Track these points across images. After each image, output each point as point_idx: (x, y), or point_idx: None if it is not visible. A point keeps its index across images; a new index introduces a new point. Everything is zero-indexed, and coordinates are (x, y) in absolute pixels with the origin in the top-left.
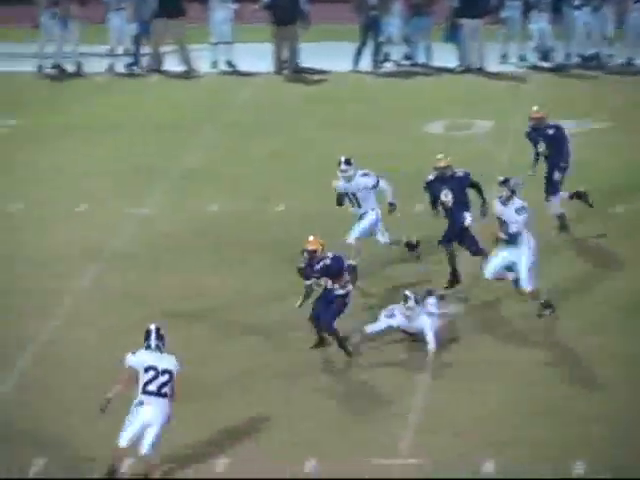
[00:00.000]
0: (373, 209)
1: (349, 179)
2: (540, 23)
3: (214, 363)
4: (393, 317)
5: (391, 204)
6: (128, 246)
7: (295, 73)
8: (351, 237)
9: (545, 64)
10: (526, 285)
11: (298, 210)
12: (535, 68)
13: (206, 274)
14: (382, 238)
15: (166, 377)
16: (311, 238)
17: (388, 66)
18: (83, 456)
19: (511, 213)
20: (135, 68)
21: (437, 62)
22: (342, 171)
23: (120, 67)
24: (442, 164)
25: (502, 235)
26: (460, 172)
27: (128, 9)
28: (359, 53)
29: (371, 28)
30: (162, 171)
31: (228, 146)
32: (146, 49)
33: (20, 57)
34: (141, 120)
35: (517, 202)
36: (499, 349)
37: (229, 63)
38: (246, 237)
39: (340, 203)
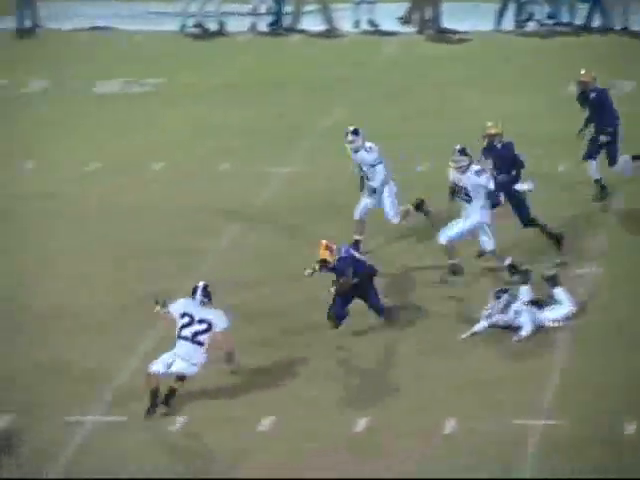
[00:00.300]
0: (384, 184)
1: (356, 150)
2: None
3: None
4: (491, 317)
5: (373, 190)
6: (271, 205)
7: (438, 33)
8: (356, 214)
9: None
10: (443, 239)
11: (441, 171)
12: None
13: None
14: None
15: (203, 326)
16: (323, 242)
17: (531, 25)
18: None
19: (471, 177)
20: (277, 27)
21: (579, 21)
22: (349, 142)
23: (262, 26)
24: (492, 131)
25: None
26: (506, 143)
27: None
28: (502, 13)
29: None
30: (305, 130)
31: (371, 105)
32: (288, 8)
33: (163, 16)
34: (283, 79)
35: (475, 166)
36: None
37: (371, 22)
38: None
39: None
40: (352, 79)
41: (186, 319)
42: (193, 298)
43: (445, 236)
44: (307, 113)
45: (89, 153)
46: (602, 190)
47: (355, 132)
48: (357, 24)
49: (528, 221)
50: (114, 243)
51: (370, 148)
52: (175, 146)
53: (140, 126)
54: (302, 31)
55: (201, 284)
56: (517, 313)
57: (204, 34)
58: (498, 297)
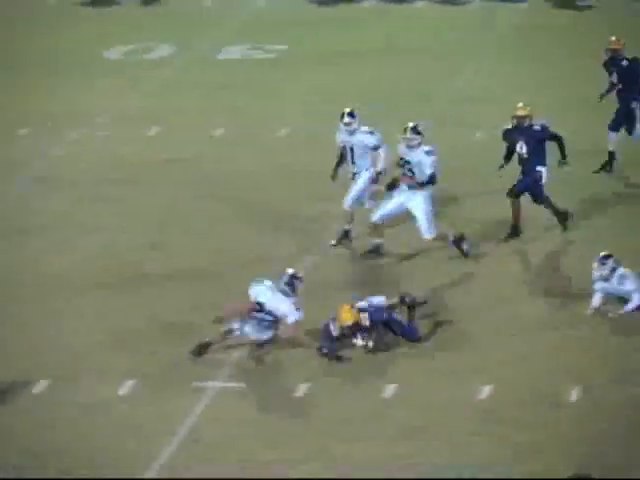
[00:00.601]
0: (367, 169)
1: (351, 132)
2: None
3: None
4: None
5: (379, 173)
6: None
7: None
8: (346, 204)
9: None
10: (429, 234)
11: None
12: None
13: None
14: (369, 203)
15: (269, 317)
16: (345, 307)
17: None
18: None
19: (420, 155)
20: None
21: None
22: (345, 124)
23: None
24: (521, 113)
25: (409, 180)
26: (538, 125)
27: None
28: None
29: None
30: (432, 96)
31: (499, 72)
32: None
33: None
34: (408, 45)
35: (425, 146)
36: None
37: None
38: None
39: (340, 160)
40: (477, 46)
41: (257, 307)
42: (276, 283)
43: (378, 215)
44: (433, 79)
45: (214, 118)
46: (610, 163)
47: (351, 114)
48: None
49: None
50: (237, 206)
51: (372, 132)
52: (299, 112)
53: (264, 92)
54: None
55: (290, 271)
56: (622, 278)
57: (330, 0)
58: (603, 263)
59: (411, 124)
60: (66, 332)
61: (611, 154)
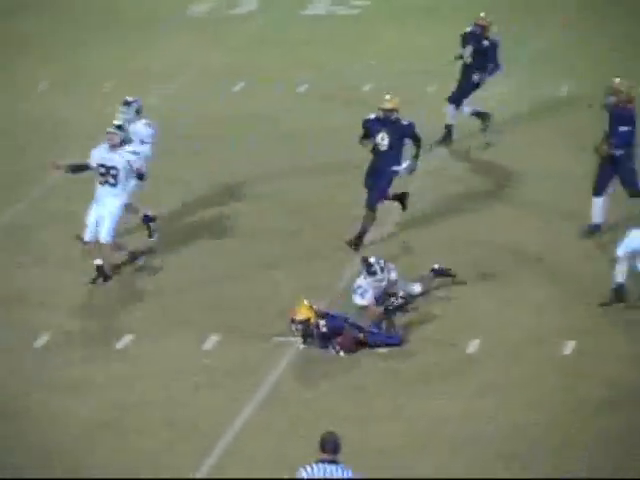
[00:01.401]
0: None
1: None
2: None
3: None
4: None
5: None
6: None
7: None
8: None
9: None
10: (105, 238)
11: None
12: None
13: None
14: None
15: None
16: (305, 302)
17: None
18: None
19: (124, 155)
20: None
21: None
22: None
23: None
24: (388, 106)
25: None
26: (405, 120)
27: None
28: None
29: None
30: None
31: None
32: None
33: None
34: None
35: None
36: None
37: None
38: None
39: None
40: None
41: None
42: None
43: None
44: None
45: (298, 73)
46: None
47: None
48: None
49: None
50: (322, 162)
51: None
52: (381, 68)
53: (347, 47)
54: None
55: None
56: None
57: None
58: None
59: (129, 98)
60: (149, 287)
61: (449, 127)
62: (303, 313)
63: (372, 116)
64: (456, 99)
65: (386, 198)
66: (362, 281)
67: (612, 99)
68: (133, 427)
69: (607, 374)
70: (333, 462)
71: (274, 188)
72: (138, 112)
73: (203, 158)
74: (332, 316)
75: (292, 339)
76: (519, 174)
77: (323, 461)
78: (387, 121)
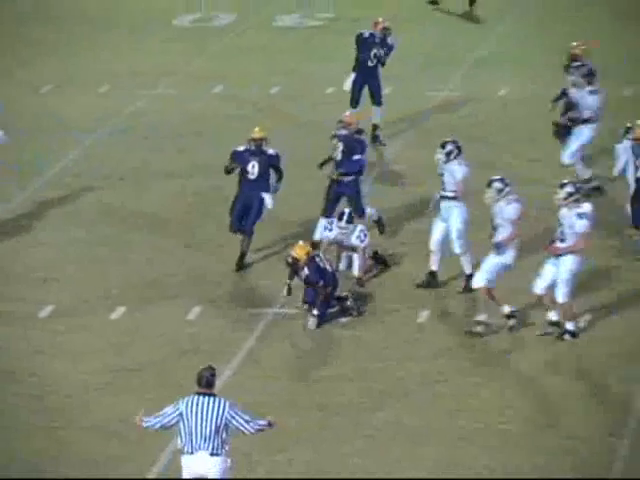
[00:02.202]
0: None
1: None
2: None
3: None
4: None
5: None
6: (430, 124)
7: None
8: None
9: None
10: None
11: None
12: None
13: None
14: None
15: None
16: (300, 243)
17: None
18: None
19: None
20: None
21: None
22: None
23: None
24: (257, 136)
25: None
26: (272, 150)
27: None
28: None
29: None
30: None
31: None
32: None
33: None
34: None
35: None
36: None
37: None
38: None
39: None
40: (503, 12)
41: None
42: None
43: None
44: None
45: (270, 78)
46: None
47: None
48: None
49: None
50: (290, 150)
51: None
52: (341, 72)
53: (314, 55)
54: None
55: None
56: None
57: None
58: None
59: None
60: (141, 265)
61: (374, 126)
62: (298, 252)
63: (240, 148)
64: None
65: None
66: (332, 224)
67: (343, 131)
68: (126, 388)
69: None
70: (208, 394)
71: None
72: None
73: (187, 153)
74: (318, 268)
75: (265, 310)
76: None
77: (199, 394)
78: (257, 151)
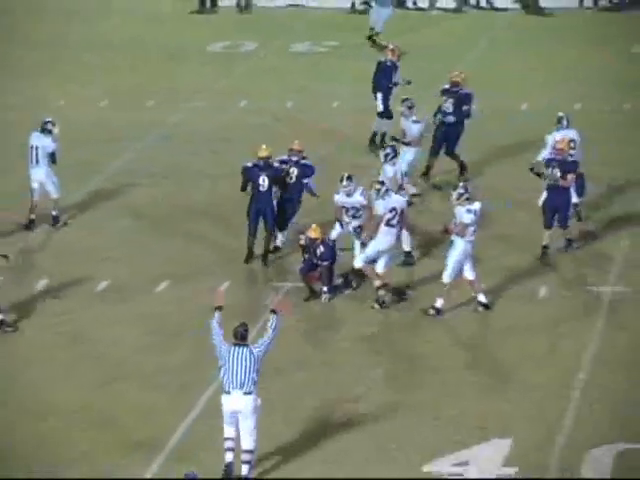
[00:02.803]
0: None
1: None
2: None
3: None
4: None
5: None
6: None
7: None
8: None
9: None
10: None
11: None
12: None
13: None
14: None
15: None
16: (314, 226)
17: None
18: None
19: None
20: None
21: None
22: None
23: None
24: (264, 154)
25: None
26: (277, 164)
27: None
28: None
29: None
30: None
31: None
32: None
33: None
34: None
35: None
36: None
37: (489, 2)
38: None
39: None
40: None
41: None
42: None
43: None
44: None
45: (287, 94)
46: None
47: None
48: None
49: None
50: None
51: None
52: (351, 94)
53: (322, 76)
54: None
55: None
56: None
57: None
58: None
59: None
60: (181, 247)
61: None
62: (314, 233)
63: (249, 164)
64: None
65: None
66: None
67: (294, 157)
68: (169, 349)
69: None
70: (242, 345)
71: None
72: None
73: (220, 156)
74: (330, 247)
75: (282, 284)
76: None
77: (235, 344)
78: (265, 166)
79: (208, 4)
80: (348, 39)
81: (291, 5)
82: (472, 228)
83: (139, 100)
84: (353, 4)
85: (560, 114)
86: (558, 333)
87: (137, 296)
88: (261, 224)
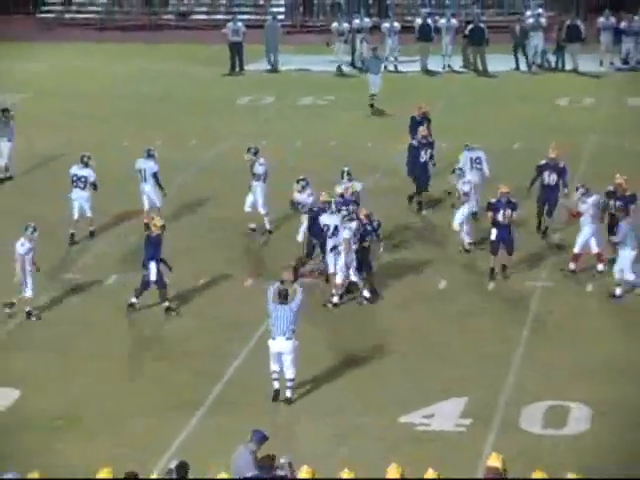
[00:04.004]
0: None
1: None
2: None
3: None
4: None
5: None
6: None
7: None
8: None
9: None
10: None
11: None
12: None
13: None
14: None
15: None
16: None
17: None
18: None
19: None
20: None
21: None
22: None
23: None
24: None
25: None
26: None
27: None
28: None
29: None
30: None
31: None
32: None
33: (331, 63)
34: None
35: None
36: None
37: (449, 66)
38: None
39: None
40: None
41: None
42: None
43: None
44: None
45: (296, 135)
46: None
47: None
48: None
49: None
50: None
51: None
52: (345, 136)
53: (322, 122)
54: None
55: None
56: None
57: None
58: None
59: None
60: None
61: None
62: (363, 214)
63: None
64: None
65: None
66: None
67: None
68: (208, 328)
69: None
70: (284, 303)
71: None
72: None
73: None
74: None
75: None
76: None
77: (280, 303)
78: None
79: (237, 69)
80: (342, 95)
81: (300, 69)
82: (589, 215)
83: (185, 141)
84: (338, 67)
85: (466, 143)
86: (501, 318)
87: (190, 288)
88: None
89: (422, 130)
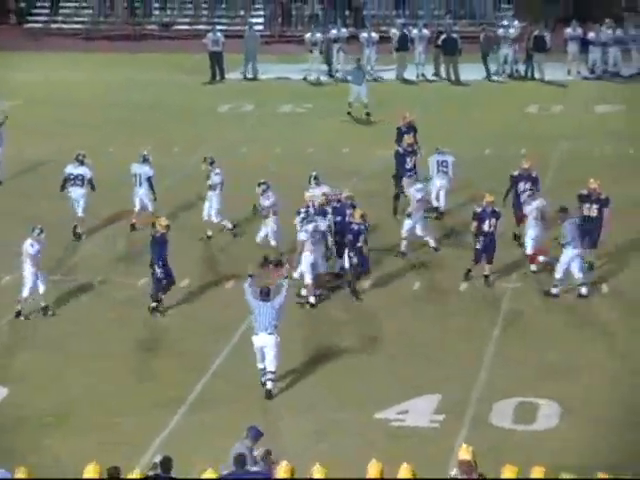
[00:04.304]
0: None
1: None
2: None
3: None
4: None
5: None
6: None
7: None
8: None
9: None
10: None
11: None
12: None
13: None
14: None
15: None
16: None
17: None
18: None
19: None
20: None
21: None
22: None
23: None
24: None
25: None
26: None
27: None
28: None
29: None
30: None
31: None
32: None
33: (305, 72)
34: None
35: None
36: None
37: (423, 75)
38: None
39: None
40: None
41: None
42: None
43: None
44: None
45: (276, 142)
46: None
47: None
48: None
49: None
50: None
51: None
52: (323, 142)
53: (301, 129)
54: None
55: None
56: None
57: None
58: None
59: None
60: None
61: None
62: (359, 214)
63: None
64: None
65: None
66: None
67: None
68: (211, 321)
69: None
70: (266, 300)
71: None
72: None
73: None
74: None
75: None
76: None
77: (262, 300)
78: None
79: (218, 77)
80: (320, 103)
81: (279, 78)
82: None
83: (182, 149)
84: (304, 78)
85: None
86: (473, 318)
87: (191, 289)
88: None
89: (408, 138)
